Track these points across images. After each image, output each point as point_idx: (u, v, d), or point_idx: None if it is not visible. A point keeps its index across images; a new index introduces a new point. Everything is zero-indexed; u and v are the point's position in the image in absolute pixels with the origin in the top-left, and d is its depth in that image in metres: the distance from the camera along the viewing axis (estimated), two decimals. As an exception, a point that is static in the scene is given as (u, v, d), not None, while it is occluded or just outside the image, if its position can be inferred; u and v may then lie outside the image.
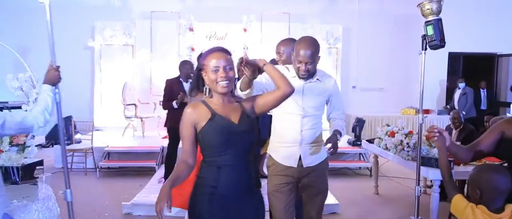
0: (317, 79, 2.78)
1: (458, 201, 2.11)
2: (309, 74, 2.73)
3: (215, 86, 2.01)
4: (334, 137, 2.65)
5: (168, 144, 5.50)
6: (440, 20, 3.08)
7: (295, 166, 2.76)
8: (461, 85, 9.31)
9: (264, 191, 2.47)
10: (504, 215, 1.98)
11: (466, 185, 4.48)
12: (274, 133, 2.87)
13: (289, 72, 2.79)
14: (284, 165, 2.77)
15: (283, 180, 2.77)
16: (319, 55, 2.74)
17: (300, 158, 2.75)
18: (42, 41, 9.85)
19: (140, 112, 8.40)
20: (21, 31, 9.39)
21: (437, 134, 2.23)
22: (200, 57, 2.28)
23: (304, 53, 2.65)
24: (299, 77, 2.74)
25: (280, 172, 2.78)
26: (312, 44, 2.69)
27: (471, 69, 10.80)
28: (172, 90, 5.24)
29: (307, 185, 2.81)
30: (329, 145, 2.59)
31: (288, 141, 2.76)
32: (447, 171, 2.26)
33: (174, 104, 5.18)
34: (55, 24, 10.19)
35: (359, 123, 7.40)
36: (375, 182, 5.75)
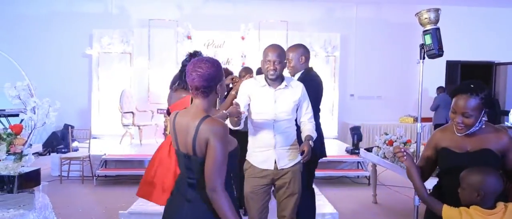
0: (286, 85, 2.95)
1: (449, 211, 2.17)
2: (277, 75, 2.90)
3: (223, 95, 2.26)
4: (307, 144, 2.80)
5: None
6: (438, 29, 3.10)
7: (272, 168, 2.93)
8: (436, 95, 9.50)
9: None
10: (497, 211, 2.09)
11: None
12: (250, 138, 3.04)
13: (259, 82, 2.98)
14: (261, 168, 2.94)
15: (259, 182, 2.95)
16: (285, 60, 3.02)
17: (275, 161, 2.93)
18: (40, 49, 9.90)
19: (137, 120, 8.39)
20: (19, 39, 9.41)
21: (405, 153, 2.31)
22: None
23: (272, 53, 2.87)
24: (268, 79, 2.92)
25: (256, 175, 2.96)
26: (279, 47, 2.94)
27: (469, 77, 10.82)
28: None
29: (282, 186, 2.97)
30: (305, 150, 2.74)
31: (263, 145, 2.94)
32: (423, 188, 2.31)
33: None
34: (53, 32, 10.26)
35: (356, 132, 7.40)
36: (374, 191, 5.74)
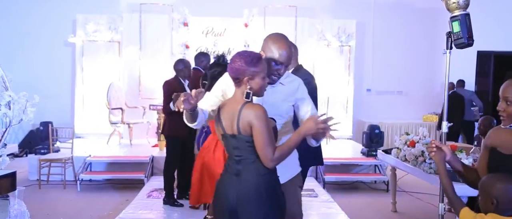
0: (280, 82, 2.75)
1: (466, 214, 2.26)
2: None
3: (261, 92, 2.49)
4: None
5: (167, 155, 5.46)
6: (467, 15, 3.06)
7: None
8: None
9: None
10: None
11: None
12: None
13: None
14: None
15: None
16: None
17: None
18: (15, 36, 9.89)
19: (127, 117, 8.40)
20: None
21: (435, 148, 2.45)
22: (252, 62, 2.44)
23: (282, 51, 2.65)
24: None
25: None
26: (289, 44, 2.73)
27: (504, 70, 10.72)
28: (175, 92, 5.23)
29: None
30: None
31: None
32: (449, 185, 2.41)
33: (171, 106, 5.15)
34: (32, 16, 10.27)
35: (374, 131, 7.38)
36: (393, 198, 5.73)
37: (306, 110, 2.78)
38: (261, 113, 2.36)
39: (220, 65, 4.08)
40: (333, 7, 9.88)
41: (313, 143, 2.67)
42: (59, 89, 9.47)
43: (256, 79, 2.42)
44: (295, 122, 2.87)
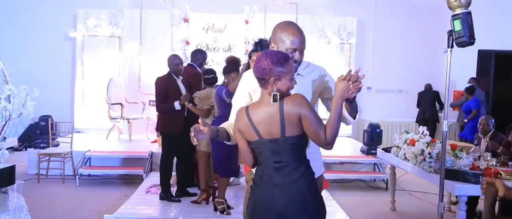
0: (298, 74, 2.59)
1: None
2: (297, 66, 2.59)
3: (288, 94, 2.33)
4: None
5: (162, 151, 5.43)
6: (469, 13, 3.07)
7: None
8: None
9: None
10: None
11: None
12: None
13: None
14: None
15: None
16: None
17: None
18: (16, 30, 9.87)
19: (127, 112, 8.40)
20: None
21: (485, 185, 2.61)
22: (273, 62, 2.29)
23: (295, 37, 2.54)
24: None
25: None
26: (300, 29, 2.62)
27: (505, 69, 10.73)
28: (167, 90, 5.22)
29: None
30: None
31: None
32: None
33: (176, 105, 5.13)
34: (32, 11, 10.24)
35: (374, 130, 7.38)
36: (392, 196, 5.73)
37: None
38: (301, 99, 2.30)
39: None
40: (334, 4, 9.87)
41: (350, 121, 2.67)
42: (59, 83, 9.48)
43: (282, 80, 2.29)
44: None
